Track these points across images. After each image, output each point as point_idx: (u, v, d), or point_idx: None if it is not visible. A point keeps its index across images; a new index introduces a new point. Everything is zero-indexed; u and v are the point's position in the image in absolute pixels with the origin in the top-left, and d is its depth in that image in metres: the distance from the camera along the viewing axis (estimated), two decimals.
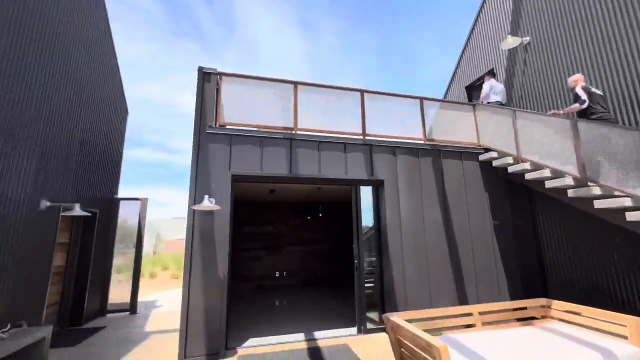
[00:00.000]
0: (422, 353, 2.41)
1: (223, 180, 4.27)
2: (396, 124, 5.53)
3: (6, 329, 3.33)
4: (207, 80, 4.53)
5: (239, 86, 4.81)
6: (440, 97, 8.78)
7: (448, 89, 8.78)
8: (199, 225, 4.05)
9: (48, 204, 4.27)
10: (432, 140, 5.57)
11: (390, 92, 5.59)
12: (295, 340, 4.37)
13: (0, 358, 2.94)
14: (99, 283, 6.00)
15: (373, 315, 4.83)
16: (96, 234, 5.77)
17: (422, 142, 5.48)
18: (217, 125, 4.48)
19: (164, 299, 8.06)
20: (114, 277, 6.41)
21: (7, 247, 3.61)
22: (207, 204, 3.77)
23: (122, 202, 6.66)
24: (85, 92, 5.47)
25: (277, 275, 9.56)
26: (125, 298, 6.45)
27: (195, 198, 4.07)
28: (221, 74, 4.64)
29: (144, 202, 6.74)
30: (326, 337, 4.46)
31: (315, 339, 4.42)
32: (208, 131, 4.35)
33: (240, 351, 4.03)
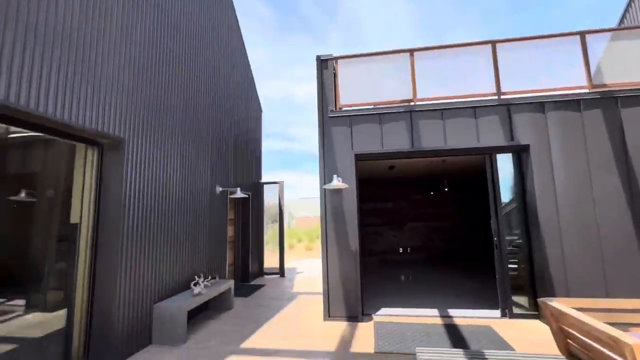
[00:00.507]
0: (601, 348, 2.00)
1: (347, 160, 4.53)
2: (541, 73, 4.47)
3: (208, 280, 4.64)
4: (325, 67, 4.80)
5: (354, 67, 4.90)
6: (609, 25, 6.49)
7: (626, 12, 6.38)
8: (330, 203, 4.48)
9: (220, 189, 5.58)
10: (603, 85, 4.25)
11: (532, 36, 4.52)
12: (429, 315, 4.35)
13: (210, 298, 4.13)
14: (256, 251, 7.51)
15: (520, 299, 4.27)
16: (251, 212, 7.19)
17: (586, 90, 4.25)
18: (337, 109, 4.74)
19: (302, 267, 9.39)
20: (265, 247, 7.91)
21: (203, 221, 4.97)
22: (336, 183, 4.11)
23: (265, 186, 8.02)
24: (235, 101, 6.73)
25: (400, 251, 9.60)
26: (274, 264, 7.87)
27: (324, 178, 4.49)
28: (337, 58, 4.83)
29: (281, 184, 7.91)
30: (464, 317, 4.26)
31: (450, 317, 4.28)
32: (330, 115, 4.66)
33: (376, 318, 4.33)
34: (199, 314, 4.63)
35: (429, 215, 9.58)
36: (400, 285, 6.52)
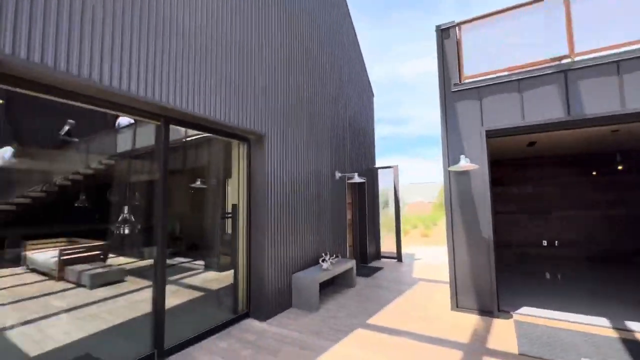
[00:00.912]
0: None
1: (476, 138, 4.04)
2: None
3: (333, 258, 5.07)
4: (446, 37, 4.35)
5: (480, 30, 4.26)
6: None
7: None
8: (455, 186, 4.12)
9: (339, 175, 5.92)
10: None
11: None
12: (594, 324, 3.51)
13: (336, 274, 4.52)
14: (373, 234, 7.69)
15: None
16: (367, 196, 7.37)
17: None
18: (462, 82, 4.24)
19: (421, 253, 9.06)
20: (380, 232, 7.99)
21: (326, 205, 5.43)
22: (464, 163, 3.73)
23: (379, 171, 8.03)
24: (350, 90, 6.94)
25: (544, 244, 7.98)
26: (391, 248, 7.87)
27: (448, 160, 4.15)
28: (460, 24, 4.30)
29: (395, 169, 7.76)
30: None
31: (631, 331, 3.33)
32: (453, 90, 4.22)
33: (516, 316, 3.80)
34: (327, 288, 5.13)
35: (587, 202, 7.56)
36: (545, 284, 5.47)
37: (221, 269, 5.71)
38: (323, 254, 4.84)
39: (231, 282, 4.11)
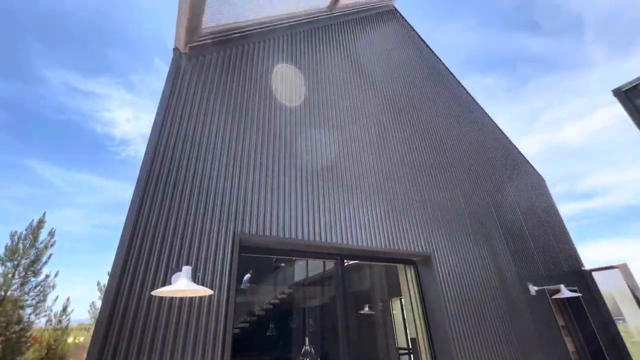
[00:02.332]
0: None
1: None
2: None
3: None
4: (636, 96, 3.48)
5: None
6: None
7: None
8: None
9: (535, 288, 4.61)
10: None
11: None
12: None
13: None
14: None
15: None
16: (590, 314, 5.22)
17: None
18: None
19: None
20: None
21: (528, 330, 4.12)
22: None
23: (594, 274, 5.82)
24: (515, 177, 6.18)
25: None
26: None
27: None
28: None
29: (623, 268, 5.45)
30: None
31: None
32: None
33: None
34: None
35: None
36: None
37: None
38: None
39: None
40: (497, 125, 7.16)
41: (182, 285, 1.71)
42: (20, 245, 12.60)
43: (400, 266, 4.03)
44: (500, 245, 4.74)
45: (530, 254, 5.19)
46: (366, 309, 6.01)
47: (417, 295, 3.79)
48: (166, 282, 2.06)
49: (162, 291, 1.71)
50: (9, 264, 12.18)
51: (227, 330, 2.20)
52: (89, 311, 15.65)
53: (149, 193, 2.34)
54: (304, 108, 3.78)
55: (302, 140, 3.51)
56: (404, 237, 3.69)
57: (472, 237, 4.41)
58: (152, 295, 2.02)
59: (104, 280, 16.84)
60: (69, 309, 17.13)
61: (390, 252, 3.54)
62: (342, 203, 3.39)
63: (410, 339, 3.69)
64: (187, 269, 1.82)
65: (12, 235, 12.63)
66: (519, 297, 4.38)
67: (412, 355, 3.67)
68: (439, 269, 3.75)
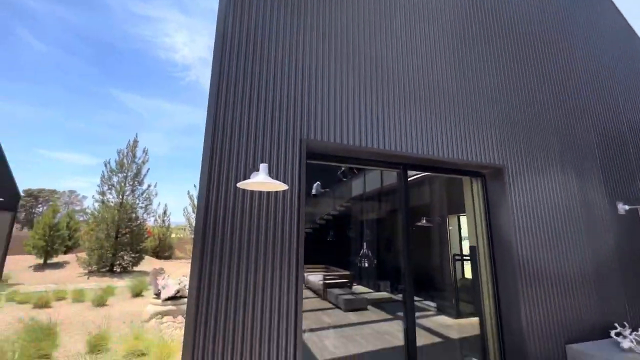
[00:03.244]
0: None
1: None
2: None
3: (638, 333, 3.38)
4: None
5: None
6: None
7: None
8: None
9: (625, 207, 4.12)
10: None
11: None
12: None
13: None
14: None
15: None
16: None
17: None
18: None
19: None
20: None
21: (611, 253, 3.87)
22: None
23: None
24: (623, 89, 5.02)
25: None
26: None
27: None
28: None
29: None
30: None
31: None
32: None
33: None
34: None
35: None
36: None
37: (457, 315, 5.26)
38: (617, 325, 3.34)
39: (472, 332, 3.64)
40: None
41: (262, 178, 1.91)
42: (125, 161, 15.24)
43: (466, 179, 3.88)
44: (590, 159, 4.16)
45: (631, 170, 4.49)
46: (423, 221, 6.20)
47: (481, 208, 3.71)
48: (246, 179, 2.33)
49: (245, 183, 1.95)
50: (120, 175, 15.05)
51: (299, 228, 2.49)
52: (183, 215, 19.20)
53: (221, 104, 2.48)
54: (369, 9, 3.32)
55: (368, 44, 3.19)
56: (474, 147, 3.44)
57: (554, 149, 3.92)
58: (237, 190, 2.33)
59: (192, 191, 20.00)
60: (168, 212, 21.16)
61: (458, 162, 3.37)
62: (408, 110, 3.19)
63: (470, 247, 3.78)
64: (264, 166, 2.01)
65: (118, 152, 15.25)
66: (603, 216, 3.99)
67: (466, 262, 3.81)
68: (510, 183, 3.52)
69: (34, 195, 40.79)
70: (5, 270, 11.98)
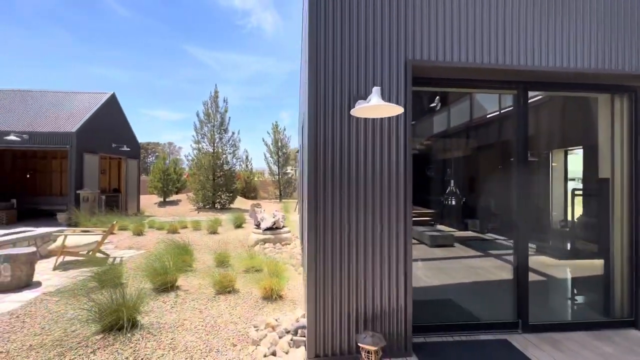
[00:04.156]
0: None
1: None
2: None
3: None
4: None
5: None
6: None
7: None
8: None
9: None
10: None
11: None
12: None
13: None
14: None
15: None
16: None
17: None
18: None
19: None
20: None
21: None
22: None
23: None
24: None
25: None
26: None
27: None
28: None
29: None
30: None
31: None
32: None
33: None
34: None
35: None
36: None
37: (563, 256, 4.80)
38: None
39: (581, 274, 3.30)
40: None
41: (376, 101, 1.82)
42: (210, 111, 16.72)
43: (604, 98, 3.13)
44: None
45: None
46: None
47: (625, 133, 3.01)
48: (351, 108, 2.27)
49: (360, 108, 1.89)
50: (209, 125, 16.73)
51: (407, 161, 2.41)
52: (264, 160, 20.88)
53: (321, 31, 2.34)
54: None
55: None
56: (621, 53, 2.67)
57: None
58: (342, 122, 2.30)
59: (267, 139, 21.31)
60: (249, 157, 23.20)
61: (601, 72, 2.69)
62: (531, 11, 2.57)
63: (599, 178, 3.20)
64: (376, 89, 1.90)
65: (203, 103, 16.74)
66: None
67: (599, 197, 3.28)
68: None
69: (144, 148, 48.94)
70: (140, 206, 15.25)
